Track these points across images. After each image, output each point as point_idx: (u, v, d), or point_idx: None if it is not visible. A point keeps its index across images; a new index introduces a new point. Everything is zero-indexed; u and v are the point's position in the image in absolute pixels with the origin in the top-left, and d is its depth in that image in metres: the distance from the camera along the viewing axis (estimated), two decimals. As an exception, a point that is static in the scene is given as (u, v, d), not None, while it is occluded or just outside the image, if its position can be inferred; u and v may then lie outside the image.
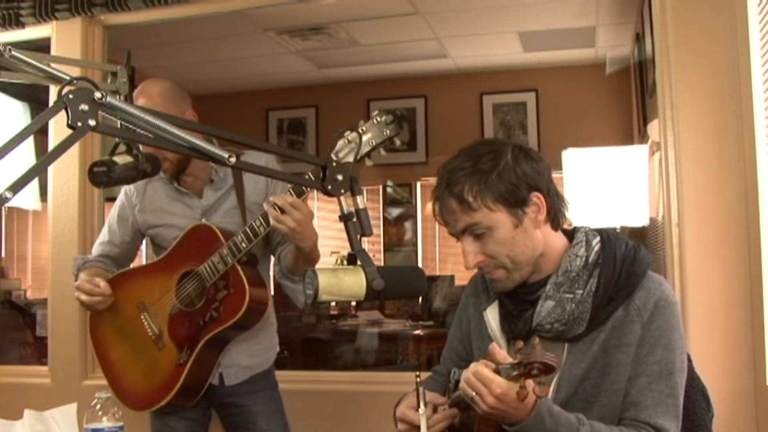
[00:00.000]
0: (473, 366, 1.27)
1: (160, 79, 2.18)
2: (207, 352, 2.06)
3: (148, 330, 2.14)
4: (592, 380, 1.39)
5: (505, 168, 1.40)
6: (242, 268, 2.00)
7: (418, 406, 1.38)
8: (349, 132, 1.85)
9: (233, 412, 2.22)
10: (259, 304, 2.03)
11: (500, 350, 1.28)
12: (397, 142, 1.91)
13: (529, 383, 1.17)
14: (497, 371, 1.23)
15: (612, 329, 1.40)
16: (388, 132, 1.84)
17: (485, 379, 1.23)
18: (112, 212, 2.30)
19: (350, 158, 1.83)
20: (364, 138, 1.84)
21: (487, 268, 1.45)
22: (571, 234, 1.50)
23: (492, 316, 1.54)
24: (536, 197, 1.42)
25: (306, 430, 2.29)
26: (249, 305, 1.97)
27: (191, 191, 2.20)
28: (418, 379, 1.40)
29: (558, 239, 1.48)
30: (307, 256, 1.97)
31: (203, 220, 2.14)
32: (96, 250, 2.31)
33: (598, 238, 1.46)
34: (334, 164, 1.26)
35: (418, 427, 1.38)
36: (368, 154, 1.87)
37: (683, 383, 1.41)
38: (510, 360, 1.24)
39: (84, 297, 2.07)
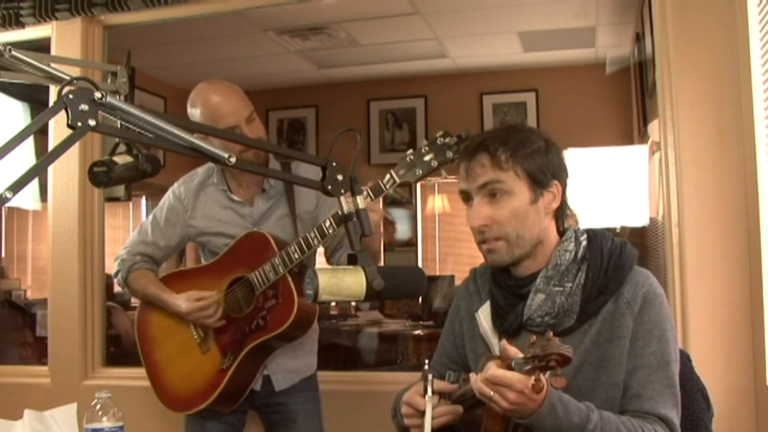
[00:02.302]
0: (488, 367, 1.27)
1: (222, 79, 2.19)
2: (250, 360, 2.06)
3: (194, 333, 2.14)
4: (586, 374, 1.41)
5: (539, 149, 1.48)
6: (293, 279, 1.99)
7: (425, 393, 1.39)
8: (410, 151, 1.87)
9: (274, 410, 2.23)
10: (306, 316, 2.03)
11: (511, 346, 1.30)
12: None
13: (543, 376, 1.19)
14: (510, 367, 1.24)
15: (603, 322, 1.43)
16: (450, 154, 1.85)
17: (504, 379, 1.24)
18: (159, 213, 2.26)
19: (410, 177, 1.86)
20: (426, 158, 1.85)
21: (490, 233, 1.47)
22: (561, 232, 1.54)
23: (484, 316, 1.57)
24: (556, 186, 1.49)
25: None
26: (296, 316, 1.97)
27: (243, 199, 2.19)
28: (427, 366, 1.42)
29: (554, 234, 1.53)
30: (375, 255, 1.98)
31: (255, 228, 2.13)
32: (138, 247, 2.26)
33: (585, 235, 1.51)
34: (334, 164, 1.26)
35: (422, 413, 1.39)
36: (428, 175, 1.88)
37: (678, 372, 1.44)
38: (521, 355, 1.25)
39: (202, 314, 2.07)
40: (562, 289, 1.45)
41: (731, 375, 2.09)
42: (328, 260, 2.20)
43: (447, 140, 1.86)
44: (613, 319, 1.43)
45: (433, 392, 1.39)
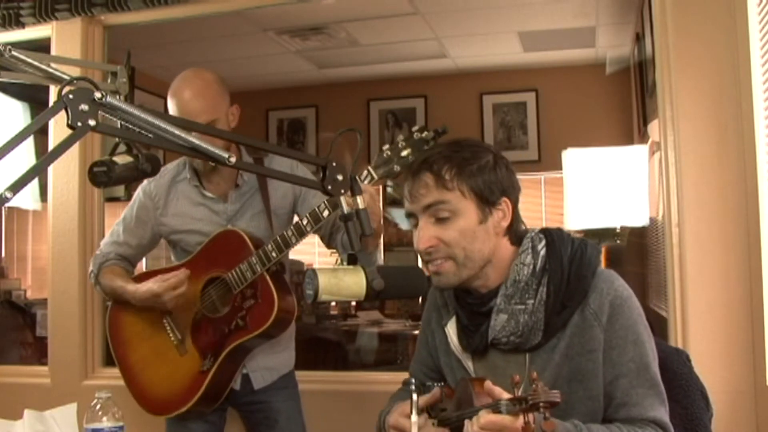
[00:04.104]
0: (479, 419, 1.22)
1: (207, 69, 2.15)
2: (230, 360, 2.05)
3: (170, 335, 2.12)
4: (560, 388, 1.33)
5: (486, 165, 1.42)
6: (271, 278, 1.98)
7: (411, 413, 1.36)
8: (387, 146, 1.85)
9: (254, 408, 2.22)
10: (286, 314, 2.01)
11: (494, 387, 1.26)
12: None
13: (531, 416, 1.17)
14: (497, 408, 1.21)
15: (572, 336, 1.40)
16: (426, 148, 1.82)
17: (500, 424, 1.19)
18: (130, 211, 2.23)
19: (387, 173, 1.85)
20: (403, 153, 1.83)
21: (437, 254, 1.42)
22: (518, 238, 1.48)
23: (452, 330, 1.53)
24: (505, 203, 1.43)
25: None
26: (277, 315, 1.96)
27: (216, 195, 2.16)
28: (413, 387, 1.37)
29: (506, 250, 1.46)
30: (378, 231, 1.94)
31: (229, 226, 2.12)
32: (109, 248, 2.24)
33: (543, 242, 1.45)
34: (333, 164, 1.26)
35: None
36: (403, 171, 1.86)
37: (657, 368, 1.41)
38: (506, 395, 1.22)
39: (173, 292, 2.02)
40: (524, 307, 1.40)
41: (731, 375, 2.09)
42: (329, 245, 2.17)
43: (424, 135, 1.83)
44: (582, 332, 1.39)
45: (419, 412, 1.36)
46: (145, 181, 2.24)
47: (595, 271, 1.42)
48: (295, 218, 2.16)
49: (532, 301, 1.40)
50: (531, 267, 1.42)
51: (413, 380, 1.41)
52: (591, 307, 1.39)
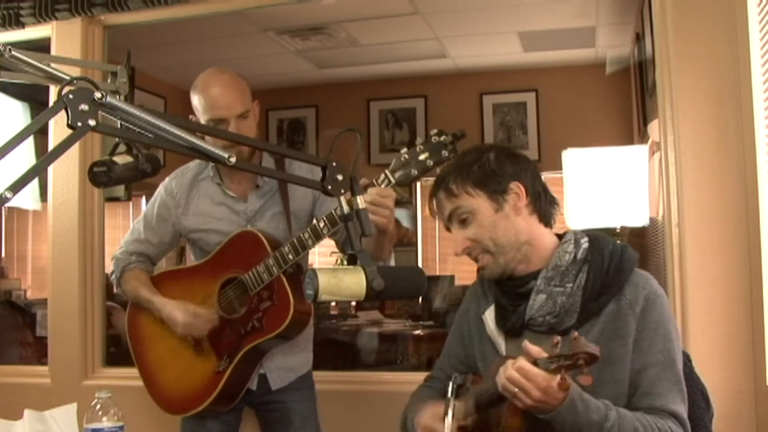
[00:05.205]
0: (514, 363, 1.30)
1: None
2: (246, 361, 2.05)
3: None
4: (591, 371, 1.41)
5: (486, 162, 1.53)
6: (287, 280, 1.97)
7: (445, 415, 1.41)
8: (404, 150, 1.84)
9: (270, 408, 2.21)
10: (302, 316, 2.01)
11: (534, 346, 1.32)
12: None
13: (567, 374, 1.21)
14: (535, 364, 1.27)
15: (606, 322, 1.46)
16: (446, 153, 1.82)
17: (530, 374, 1.27)
18: (151, 209, 2.23)
19: (405, 178, 1.84)
20: (421, 157, 1.82)
21: (474, 253, 1.55)
22: (561, 236, 1.58)
23: (490, 317, 1.61)
24: (515, 186, 1.53)
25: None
26: (293, 318, 1.96)
27: (237, 195, 2.16)
28: (450, 389, 1.46)
29: (547, 235, 1.57)
30: (392, 236, 1.94)
31: (248, 226, 2.11)
32: (131, 246, 2.23)
33: (586, 238, 1.54)
34: (333, 164, 1.26)
35: None
36: (423, 175, 1.86)
37: (682, 371, 1.47)
38: (545, 354, 1.28)
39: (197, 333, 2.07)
40: (563, 289, 1.47)
41: (731, 375, 2.09)
42: (343, 251, 2.15)
43: (442, 139, 1.82)
44: (616, 320, 1.45)
45: (453, 417, 1.40)
46: (167, 179, 2.24)
47: (632, 267, 1.50)
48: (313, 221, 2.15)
49: (571, 285, 1.48)
50: (572, 255, 1.51)
51: (453, 377, 1.49)
52: (627, 297, 1.47)
